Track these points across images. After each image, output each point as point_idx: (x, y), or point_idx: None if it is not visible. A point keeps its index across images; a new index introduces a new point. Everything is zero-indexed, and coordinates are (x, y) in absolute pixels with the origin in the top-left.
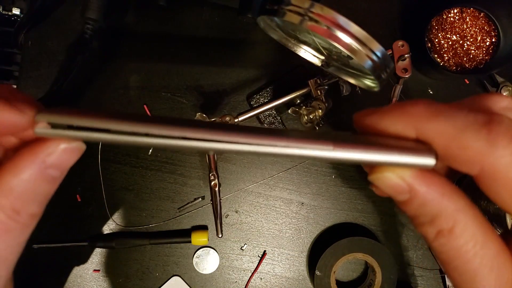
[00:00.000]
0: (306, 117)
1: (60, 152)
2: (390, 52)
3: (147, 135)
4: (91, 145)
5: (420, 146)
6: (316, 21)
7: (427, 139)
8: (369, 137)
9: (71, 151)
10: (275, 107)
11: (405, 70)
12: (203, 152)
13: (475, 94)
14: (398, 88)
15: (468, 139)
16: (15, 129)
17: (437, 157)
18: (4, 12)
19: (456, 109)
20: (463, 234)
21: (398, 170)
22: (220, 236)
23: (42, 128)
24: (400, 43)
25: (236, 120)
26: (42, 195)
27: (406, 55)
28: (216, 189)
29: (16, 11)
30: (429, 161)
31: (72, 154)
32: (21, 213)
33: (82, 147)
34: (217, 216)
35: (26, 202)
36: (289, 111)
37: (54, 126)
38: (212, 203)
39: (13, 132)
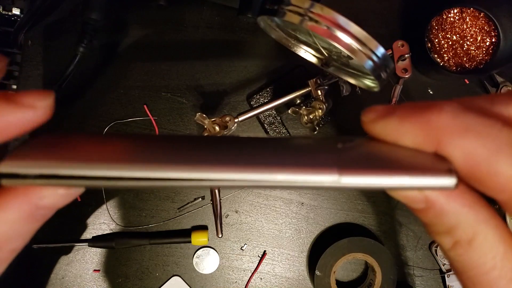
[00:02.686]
0: (306, 117)
1: (57, 196)
2: (390, 52)
3: (120, 179)
4: None
5: (439, 164)
6: (316, 21)
7: (450, 157)
8: (381, 150)
9: (69, 195)
10: (275, 107)
11: (405, 70)
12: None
13: (496, 93)
14: (398, 88)
15: (501, 164)
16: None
17: (458, 178)
18: (4, 12)
19: (488, 123)
20: (483, 246)
21: None
22: (220, 236)
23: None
24: (400, 43)
25: (236, 120)
26: (28, 233)
27: (406, 55)
28: (216, 189)
29: (16, 11)
30: (449, 183)
31: (70, 196)
32: (2, 249)
33: (82, 189)
34: (217, 216)
35: (8, 240)
36: (289, 111)
37: (23, 176)
38: (212, 203)
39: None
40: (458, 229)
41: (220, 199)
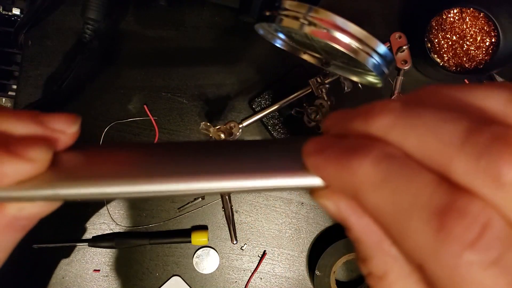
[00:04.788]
0: (309, 117)
1: (37, 207)
2: (388, 45)
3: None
4: (91, 142)
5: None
6: (315, 25)
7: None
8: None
9: (51, 204)
10: (278, 109)
11: (405, 61)
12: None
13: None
14: (400, 80)
15: (410, 229)
16: None
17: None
18: (4, 12)
19: (407, 174)
20: (394, 285)
21: (328, 194)
22: (235, 242)
23: None
24: (397, 35)
25: (240, 126)
26: (8, 244)
27: (404, 47)
28: (227, 196)
29: (16, 11)
30: (315, 182)
31: (52, 205)
32: None
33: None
34: (230, 222)
35: None
36: (292, 111)
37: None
38: (224, 211)
39: None
40: (371, 262)
41: (231, 206)
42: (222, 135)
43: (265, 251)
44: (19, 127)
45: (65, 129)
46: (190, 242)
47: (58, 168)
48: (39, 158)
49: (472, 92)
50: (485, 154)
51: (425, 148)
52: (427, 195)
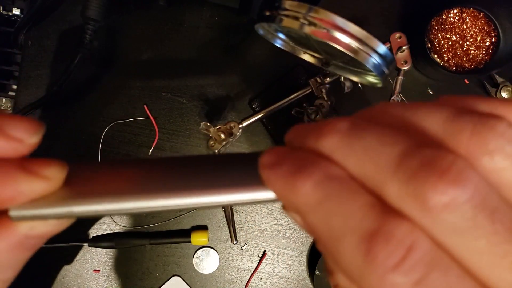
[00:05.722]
0: (309, 117)
1: (48, 226)
2: (388, 45)
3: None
4: (91, 144)
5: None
6: (315, 25)
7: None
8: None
9: (61, 223)
10: (278, 109)
11: (405, 61)
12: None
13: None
14: (400, 80)
15: (342, 251)
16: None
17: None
18: (4, 12)
19: (346, 197)
20: None
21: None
22: (235, 242)
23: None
24: (398, 35)
25: (240, 126)
26: (18, 263)
27: (404, 47)
28: None
29: (16, 11)
30: (268, 195)
31: (63, 224)
32: None
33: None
34: (230, 222)
35: None
36: (293, 112)
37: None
38: (224, 211)
39: None
40: (337, 275)
41: (231, 207)
42: (222, 135)
43: (265, 251)
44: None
45: (24, 138)
46: (190, 242)
47: (71, 186)
48: (54, 176)
49: (416, 111)
50: (414, 179)
51: (364, 170)
52: (358, 219)
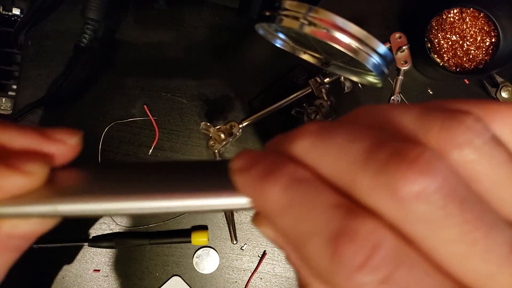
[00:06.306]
0: (309, 117)
1: (32, 225)
2: (388, 45)
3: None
4: (91, 144)
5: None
6: (315, 25)
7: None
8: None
9: (48, 222)
10: (278, 109)
11: (405, 61)
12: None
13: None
14: (400, 80)
15: (310, 253)
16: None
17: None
18: (4, 12)
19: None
20: None
21: (258, 221)
22: (235, 242)
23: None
24: (397, 35)
25: (240, 126)
26: (2, 264)
27: (404, 47)
28: None
29: (16, 11)
30: (242, 202)
31: (47, 224)
32: None
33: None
34: (230, 222)
35: None
36: (292, 112)
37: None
38: (225, 212)
39: None
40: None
41: None
42: (222, 135)
43: (265, 251)
44: (19, 139)
45: (65, 140)
46: (190, 242)
47: (57, 184)
48: (36, 171)
49: (391, 111)
50: (383, 170)
51: (334, 169)
52: (324, 220)
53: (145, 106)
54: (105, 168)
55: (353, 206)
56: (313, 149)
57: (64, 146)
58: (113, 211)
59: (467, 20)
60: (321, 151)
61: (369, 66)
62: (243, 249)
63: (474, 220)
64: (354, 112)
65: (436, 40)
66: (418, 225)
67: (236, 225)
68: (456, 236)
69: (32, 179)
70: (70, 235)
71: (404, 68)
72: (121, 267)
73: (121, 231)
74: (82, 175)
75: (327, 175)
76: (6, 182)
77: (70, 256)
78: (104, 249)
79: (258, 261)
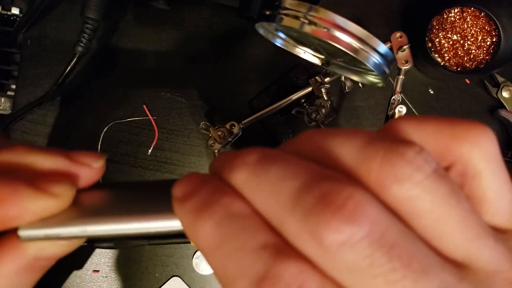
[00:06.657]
0: (309, 117)
1: (58, 247)
2: (389, 44)
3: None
4: (90, 144)
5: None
6: (316, 24)
7: None
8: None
9: (72, 244)
10: (278, 109)
11: (406, 61)
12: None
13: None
14: (400, 79)
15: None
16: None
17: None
18: (3, 12)
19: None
20: None
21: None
22: None
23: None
24: (398, 34)
25: (240, 126)
26: (27, 286)
27: (405, 46)
28: None
29: (15, 10)
30: (173, 225)
31: (72, 245)
32: None
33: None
34: None
35: None
36: (293, 111)
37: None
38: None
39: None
40: None
41: None
42: (222, 135)
43: None
44: (46, 161)
45: (91, 163)
46: (189, 242)
47: (82, 206)
48: (64, 193)
49: (334, 138)
50: (309, 216)
51: (267, 206)
52: (251, 262)
53: (144, 106)
54: (122, 188)
55: (283, 245)
56: (249, 182)
57: (89, 169)
58: (135, 230)
59: (468, 19)
60: (255, 186)
61: (370, 66)
62: None
63: (403, 268)
64: (298, 138)
65: (437, 40)
66: (344, 273)
67: None
68: (383, 286)
69: (60, 201)
70: None
71: (405, 67)
72: (121, 267)
73: None
74: (104, 196)
75: (261, 211)
76: (34, 204)
77: (69, 256)
78: (103, 250)
79: None
